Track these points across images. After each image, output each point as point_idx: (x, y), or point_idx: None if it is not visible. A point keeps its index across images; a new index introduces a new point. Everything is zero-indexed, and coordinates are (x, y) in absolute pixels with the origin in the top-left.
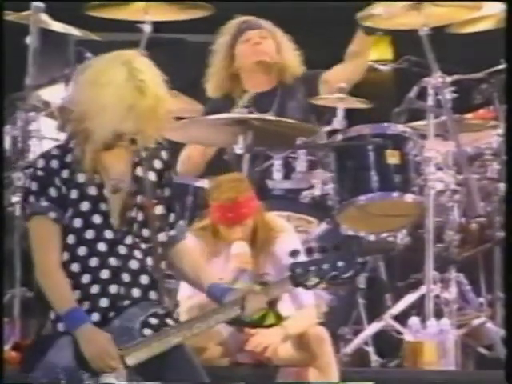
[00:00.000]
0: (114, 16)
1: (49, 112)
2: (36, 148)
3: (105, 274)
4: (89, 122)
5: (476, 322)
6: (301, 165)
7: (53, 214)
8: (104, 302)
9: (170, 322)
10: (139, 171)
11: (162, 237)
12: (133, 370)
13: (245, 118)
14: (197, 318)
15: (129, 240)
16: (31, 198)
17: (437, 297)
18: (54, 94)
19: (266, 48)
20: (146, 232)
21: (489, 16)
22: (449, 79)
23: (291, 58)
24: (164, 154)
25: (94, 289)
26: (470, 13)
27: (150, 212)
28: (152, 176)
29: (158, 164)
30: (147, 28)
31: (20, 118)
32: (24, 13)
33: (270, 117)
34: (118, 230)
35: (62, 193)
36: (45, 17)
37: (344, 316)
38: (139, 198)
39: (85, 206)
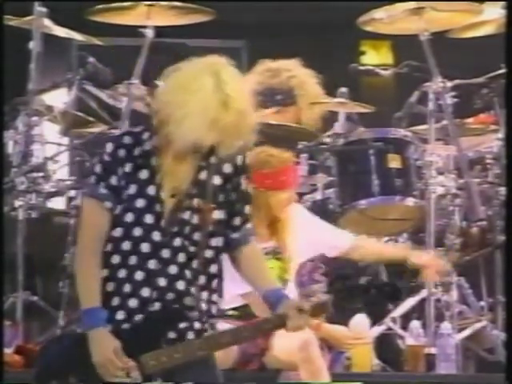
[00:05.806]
0: (117, 21)
1: (51, 116)
2: (39, 152)
3: (140, 275)
4: (172, 127)
5: (477, 325)
6: (302, 169)
7: (108, 204)
8: (133, 302)
9: (199, 327)
10: (203, 175)
11: (215, 241)
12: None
13: None
14: (223, 332)
15: (177, 242)
16: (92, 180)
17: (438, 300)
18: (57, 98)
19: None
20: (197, 236)
21: (489, 21)
22: (449, 84)
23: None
24: (239, 159)
25: (127, 287)
26: (470, 18)
27: (205, 216)
28: (217, 180)
29: (227, 168)
30: (149, 33)
31: (23, 123)
32: (27, 18)
33: (271, 121)
34: (167, 232)
35: (120, 184)
36: (47, 22)
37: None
38: (196, 201)
39: (140, 203)
